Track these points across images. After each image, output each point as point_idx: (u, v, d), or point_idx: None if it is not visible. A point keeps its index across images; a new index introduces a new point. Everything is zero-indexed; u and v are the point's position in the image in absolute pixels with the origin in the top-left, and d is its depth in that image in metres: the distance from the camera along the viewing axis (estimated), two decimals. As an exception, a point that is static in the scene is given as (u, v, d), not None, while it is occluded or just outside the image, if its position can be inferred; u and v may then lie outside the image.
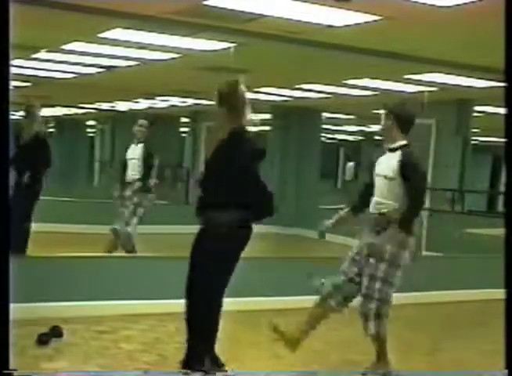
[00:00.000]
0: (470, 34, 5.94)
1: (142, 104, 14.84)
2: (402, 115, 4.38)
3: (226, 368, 4.04)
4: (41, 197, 7.08)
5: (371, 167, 4.65)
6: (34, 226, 7.00)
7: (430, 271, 7.40)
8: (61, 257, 6.37)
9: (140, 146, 7.87)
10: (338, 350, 4.50)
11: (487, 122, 12.50)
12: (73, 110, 17.62)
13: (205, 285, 3.96)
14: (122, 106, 15.61)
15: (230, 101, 3.98)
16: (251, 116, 4.04)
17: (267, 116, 13.69)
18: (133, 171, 7.80)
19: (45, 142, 7.09)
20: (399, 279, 4.40)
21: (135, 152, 7.88)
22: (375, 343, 4.42)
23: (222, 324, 4.07)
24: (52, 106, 16.69)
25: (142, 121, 7.93)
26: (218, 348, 3.96)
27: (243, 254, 4.07)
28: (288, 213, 13.35)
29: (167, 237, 9.82)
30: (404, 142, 4.39)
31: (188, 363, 3.96)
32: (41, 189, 6.98)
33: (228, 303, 4.11)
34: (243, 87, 4.01)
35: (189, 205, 10.03)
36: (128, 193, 7.76)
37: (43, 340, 4.87)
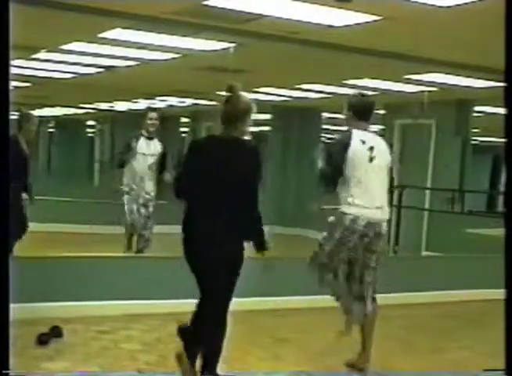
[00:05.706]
0: (470, 34, 5.94)
1: (142, 104, 14.85)
2: (358, 104, 4.71)
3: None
4: (42, 197, 7.04)
5: None
6: (34, 226, 6.98)
7: (430, 271, 7.41)
8: (61, 257, 6.36)
9: (156, 141, 7.28)
10: (338, 350, 4.50)
11: (487, 122, 12.49)
12: (73, 110, 17.63)
13: None
14: (121, 106, 15.62)
15: None
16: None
17: (267, 116, 13.68)
18: (149, 169, 7.26)
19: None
20: None
21: (150, 148, 7.23)
22: None
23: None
24: (52, 106, 16.73)
25: (152, 114, 7.25)
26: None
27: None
28: (289, 213, 13.37)
29: (167, 237, 9.79)
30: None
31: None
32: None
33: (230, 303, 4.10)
34: None
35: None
36: (148, 196, 7.39)
37: (43, 340, 4.87)
